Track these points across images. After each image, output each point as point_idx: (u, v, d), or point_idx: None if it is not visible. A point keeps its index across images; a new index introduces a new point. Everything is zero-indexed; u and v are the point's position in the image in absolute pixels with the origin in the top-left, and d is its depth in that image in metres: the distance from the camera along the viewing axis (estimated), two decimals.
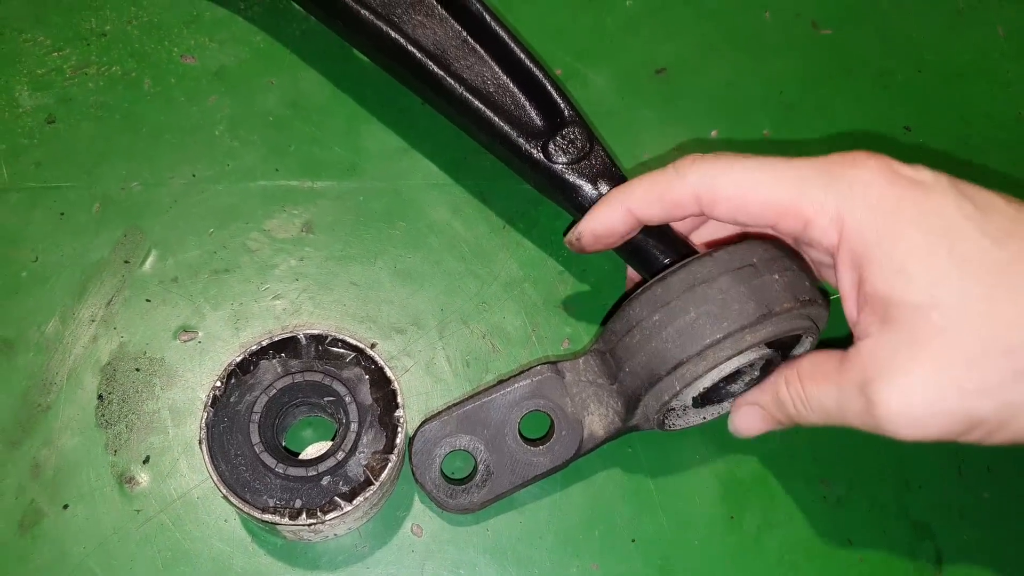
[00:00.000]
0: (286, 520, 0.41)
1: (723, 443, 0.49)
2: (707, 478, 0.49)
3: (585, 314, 0.52)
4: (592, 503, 0.48)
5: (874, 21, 0.63)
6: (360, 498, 0.42)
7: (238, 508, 0.41)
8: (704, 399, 0.46)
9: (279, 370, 0.45)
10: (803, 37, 0.63)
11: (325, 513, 0.42)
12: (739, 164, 0.42)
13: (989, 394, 0.36)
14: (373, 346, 0.49)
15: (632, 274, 0.50)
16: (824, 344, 0.44)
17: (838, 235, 0.40)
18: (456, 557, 0.46)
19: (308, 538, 0.45)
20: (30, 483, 0.46)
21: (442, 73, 0.50)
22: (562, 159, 0.49)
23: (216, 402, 0.43)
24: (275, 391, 0.44)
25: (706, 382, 0.42)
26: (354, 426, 0.43)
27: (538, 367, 0.46)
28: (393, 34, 0.51)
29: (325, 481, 0.43)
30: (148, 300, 0.50)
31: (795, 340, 0.44)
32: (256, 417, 0.43)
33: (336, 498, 0.42)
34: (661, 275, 0.43)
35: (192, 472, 0.47)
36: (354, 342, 0.45)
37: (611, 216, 0.45)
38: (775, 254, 0.42)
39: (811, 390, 0.41)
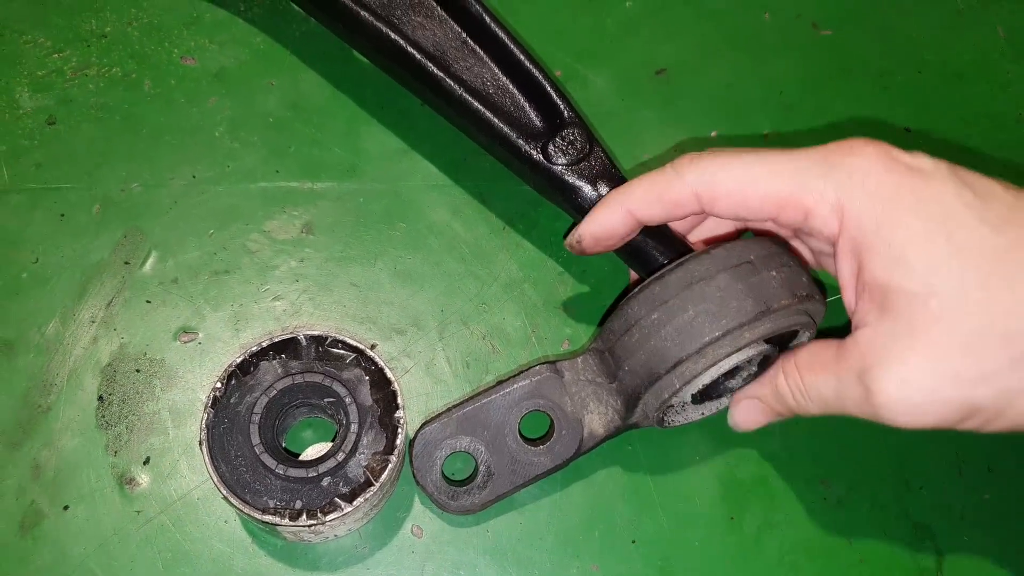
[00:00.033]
0: (286, 521, 0.41)
1: (723, 443, 0.49)
2: (707, 478, 0.49)
3: (585, 315, 0.52)
4: (592, 504, 0.48)
5: (874, 22, 0.63)
6: (360, 499, 0.42)
7: (238, 509, 0.41)
8: (703, 395, 0.46)
9: (279, 371, 0.45)
10: (803, 38, 0.62)
11: (325, 514, 0.42)
12: (737, 160, 0.42)
13: (986, 381, 0.37)
14: (373, 347, 0.49)
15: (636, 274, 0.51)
16: (820, 335, 0.45)
17: (839, 224, 0.40)
18: (456, 558, 0.46)
19: (308, 539, 0.45)
20: (30, 484, 0.46)
21: (441, 74, 0.50)
22: (562, 160, 0.49)
23: (216, 403, 0.43)
24: (275, 392, 0.44)
25: (705, 379, 0.42)
26: (354, 427, 0.43)
27: (537, 367, 0.46)
28: (393, 35, 0.51)
29: (325, 482, 0.43)
30: (148, 301, 0.50)
31: (792, 334, 0.44)
32: (256, 418, 0.43)
33: (336, 499, 0.42)
34: (659, 273, 0.43)
35: (192, 473, 0.47)
36: (354, 343, 0.45)
37: (611, 218, 0.45)
38: (772, 251, 0.43)
39: (809, 380, 0.42)
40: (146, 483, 0.46)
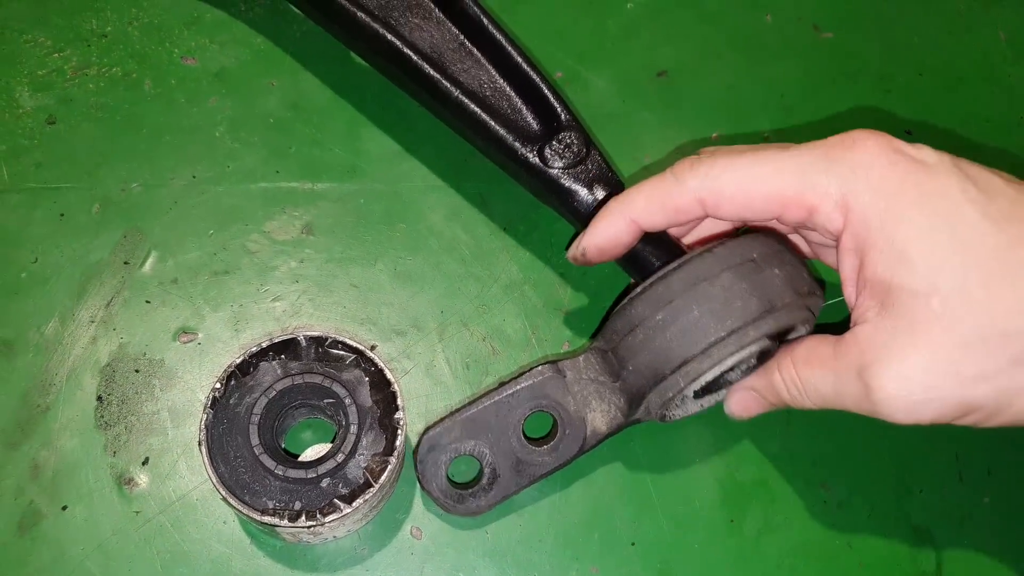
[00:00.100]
0: (285, 522, 0.41)
1: (723, 445, 0.49)
2: (707, 481, 0.49)
3: (585, 317, 0.52)
4: (592, 506, 0.48)
5: (875, 25, 0.63)
6: (360, 500, 0.42)
7: (237, 510, 0.41)
8: (704, 390, 0.46)
9: (279, 372, 0.45)
10: (804, 40, 0.63)
11: (324, 515, 0.41)
12: (737, 161, 0.41)
13: (986, 380, 0.37)
14: (373, 348, 0.49)
15: None
16: (816, 329, 0.45)
17: (843, 221, 0.40)
18: (456, 560, 0.46)
19: (307, 540, 0.45)
20: (29, 484, 0.46)
21: (438, 76, 0.50)
22: (558, 163, 0.49)
23: (216, 404, 0.43)
24: (275, 393, 0.43)
25: (709, 377, 0.42)
26: (354, 428, 0.43)
27: (539, 367, 0.46)
28: (389, 36, 0.51)
29: (325, 483, 0.43)
30: (148, 301, 0.50)
31: (792, 328, 0.44)
32: (256, 419, 0.43)
33: (336, 500, 0.42)
34: (662, 273, 0.43)
35: (191, 474, 0.47)
36: (354, 344, 0.45)
37: (614, 228, 0.45)
38: (774, 248, 0.43)
39: (806, 375, 0.42)
40: (145, 484, 0.46)
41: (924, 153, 0.39)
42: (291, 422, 0.48)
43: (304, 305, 0.51)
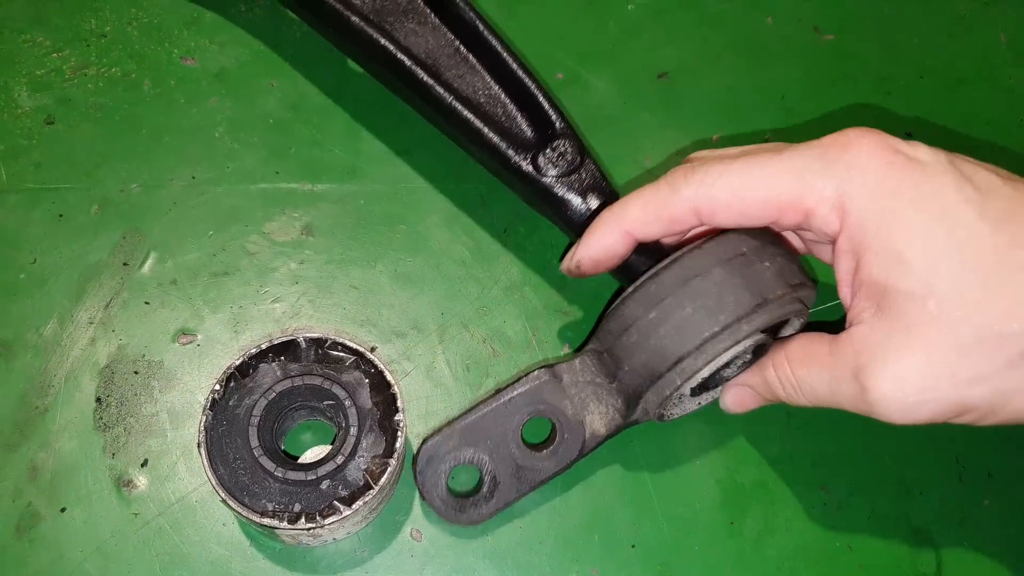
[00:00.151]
0: (285, 524, 0.41)
1: (723, 447, 0.49)
2: (707, 483, 0.49)
3: (586, 318, 0.52)
4: (592, 508, 0.48)
5: (876, 27, 0.63)
6: (359, 502, 0.42)
7: (237, 512, 0.41)
8: (700, 387, 0.46)
9: (278, 373, 0.45)
10: (805, 42, 0.62)
11: (324, 517, 0.41)
12: (732, 168, 0.41)
13: (982, 382, 0.37)
14: (373, 350, 0.49)
15: None
16: (809, 326, 0.45)
17: (839, 223, 0.40)
18: (456, 562, 0.46)
19: (307, 542, 0.44)
20: (27, 486, 0.46)
21: (431, 81, 0.50)
22: (552, 172, 0.49)
23: (215, 405, 0.43)
24: (274, 395, 0.43)
25: (705, 373, 0.42)
26: (353, 430, 0.43)
27: (535, 372, 0.46)
28: (383, 41, 0.51)
29: (324, 485, 0.43)
30: (147, 302, 0.50)
31: (786, 320, 0.44)
32: (255, 421, 0.43)
33: (335, 502, 0.42)
34: (653, 271, 0.43)
35: (190, 476, 0.46)
36: (354, 346, 0.45)
37: (608, 240, 0.44)
38: (764, 240, 0.43)
39: (801, 374, 0.42)
40: (144, 485, 0.46)
41: (920, 152, 0.39)
42: (291, 424, 0.47)
43: (304, 306, 0.51)
